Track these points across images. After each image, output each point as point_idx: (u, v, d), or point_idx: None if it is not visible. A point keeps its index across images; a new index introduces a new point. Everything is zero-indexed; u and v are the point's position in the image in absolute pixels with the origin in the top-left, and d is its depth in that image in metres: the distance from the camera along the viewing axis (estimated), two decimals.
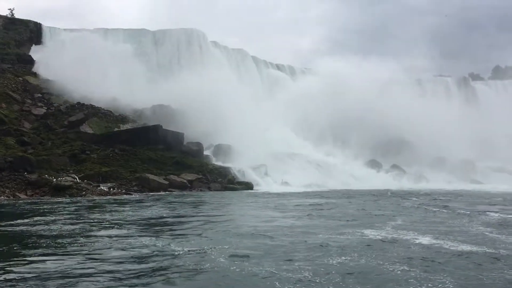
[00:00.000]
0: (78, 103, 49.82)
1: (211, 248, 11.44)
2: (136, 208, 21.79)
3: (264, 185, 44.57)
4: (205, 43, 66.70)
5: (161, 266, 9.78)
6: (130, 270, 9.47)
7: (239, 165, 46.83)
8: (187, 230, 14.54)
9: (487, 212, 18.84)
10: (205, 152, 49.18)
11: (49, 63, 53.83)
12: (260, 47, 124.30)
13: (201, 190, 39.37)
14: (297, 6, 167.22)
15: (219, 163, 46.83)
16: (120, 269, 9.54)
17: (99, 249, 11.43)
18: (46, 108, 48.17)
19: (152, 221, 16.68)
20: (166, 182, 38.47)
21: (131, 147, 43.09)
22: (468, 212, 19.16)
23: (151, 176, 38.04)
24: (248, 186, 42.45)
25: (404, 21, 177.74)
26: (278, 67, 79.13)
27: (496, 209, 19.84)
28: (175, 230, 14.56)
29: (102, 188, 34.52)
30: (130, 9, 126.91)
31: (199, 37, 66.03)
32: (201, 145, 46.86)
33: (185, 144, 46.23)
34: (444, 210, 20.52)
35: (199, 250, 11.31)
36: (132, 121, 49.24)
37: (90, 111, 47.80)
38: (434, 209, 20.84)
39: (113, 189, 34.67)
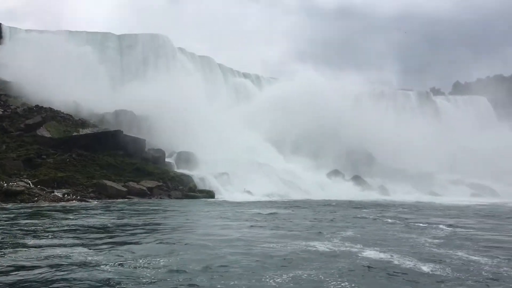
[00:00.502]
0: (37, 106, 48.09)
1: (142, 260, 10.66)
2: (82, 215, 20.70)
3: (225, 193, 43.85)
4: (171, 49, 65.81)
5: (74, 278, 8.93)
6: (35, 281, 8.65)
7: (202, 173, 46.04)
8: (126, 239, 13.69)
9: (440, 225, 18.60)
10: (167, 159, 48.18)
11: (8, 63, 51.82)
12: (228, 56, 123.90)
13: (160, 198, 38.35)
14: (265, 18, 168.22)
15: (181, 171, 45.91)
16: (31, 280, 8.71)
17: (20, 259, 10.50)
18: (2, 110, 46.25)
19: (93, 229, 15.73)
20: (125, 189, 37.29)
21: (90, 152, 41.74)
22: (421, 225, 18.91)
23: (108, 183, 36.79)
24: (210, 194, 41.68)
25: (369, 36, 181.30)
26: (245, 75, 78.84)
27: (450, 222, 19.62)
28: (112, 239, 13.66)
29: (56, 194, 33.12)
30: (99, 13, 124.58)
31: (165, 42, 65.09)
32: (163, 152, 45.84)
33: (147, 150, 45.13)
34: (398, 222, 20.23)
35: (127, 261, 10.51)
36: (93, 126, 47.79)
37: (48, 114, 46.17)
38: (389, 221, 20.56)
39: (68, 195, 33.28)
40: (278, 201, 38.08)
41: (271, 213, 24.10)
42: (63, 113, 48.36)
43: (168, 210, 25.35)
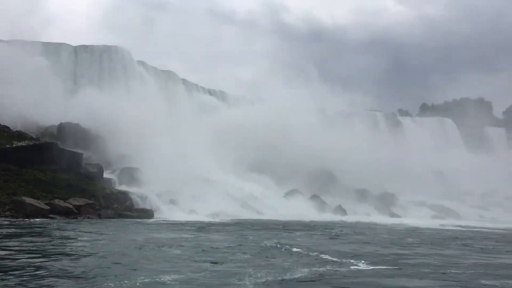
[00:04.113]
0: None
1: None
2: None
3: (167, 212, 39.84)
4: (130, 62, 61.98)
5: None
6: None
7: (143, 190, 41.99)
8: None
9: (352, 261, 14.39)
10: (110, 176, 44.07)
11: None
12: (202, 75, 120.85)
13: (89, 217, 34.08)
14: (240, 39, 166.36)
15: (122, 188, 41.83)
16: None
17: None
18: None
19: None
20: (47, 207, 32.99)
21: (19, 167, 37.36)
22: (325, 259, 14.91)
23: (27, 200, 32.50)
24: (147, 214, 37.56)
25: (340, 59, 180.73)
26: (210, 92, 75.25)
27: (366, 258, 15.03)
28: None
29: None
30: (75, 26, 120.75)
31: (123, 55, 61.28)
32: (100, 167, 41.70)
33: (84, 165, 40.87)
34: (303, 253, 15.88)
35: None
36: (31, 139, 43.45)
37: None
38: (294, 250, 16.20)
39: None
40: (217, 222, 34.10)
41: (183, 238, 20.12)
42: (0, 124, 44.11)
43: (66, 235, 21.03)
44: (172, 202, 42.37)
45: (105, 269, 11.65)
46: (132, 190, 41.13)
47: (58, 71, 57.15)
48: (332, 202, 56.33)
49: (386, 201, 59.78)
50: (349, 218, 48.03)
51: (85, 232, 20.93)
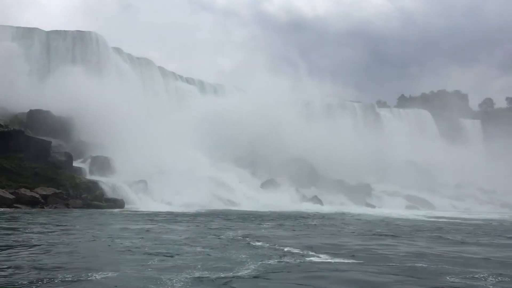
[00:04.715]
0: None
1: None
2: None
3: (139, 203, 38.85)
4: (104, 48, 60.13)
5: None
6: None
7: (114, 180, 40.90)
8: None
9: (312, 253, 13.86)
10: (80, 165, 42.79)
11: None
12: (181, 64, 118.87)
13: (55, 207, 32.98)
14: (220, 28, 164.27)
15: (93, 177, 40.63)
16: None
17: None
18: None
19: None
20: (12, 197, 31.77)
21: None
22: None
23: None
24: (118, 204, 36.59)
25: (320, 50, 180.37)
26: (188, 80, 73.84)
27: (328, 250, 14.27)
28: None
29: None
30: (48, 11, 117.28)
31: (98, 41, 59.37)
32: (70, 156, 40.40)
33: (52, 154, 39.51)
34: (261, 244, 15.13)
35: None
36: None
37: None
38: (255, 243, 15.36)
39: None
40: (189, 213, 33.23)
41: (145, 229, 19.31)
42: None
43: (15, 227, 20.05)
44: (145, 192, 41.35)
45: (35, 263, 10.76)
46: (102, 179, 40.01)
47: (29, 56, 55.22)
48: (309, 193, 56.11)
49: (361, 191, 59.80)
50: (325, 208, 47.75)
51: (41, 223, 19.86)
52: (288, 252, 13.05)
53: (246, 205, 45.46)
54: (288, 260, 11.74)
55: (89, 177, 40.80)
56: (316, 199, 52.86)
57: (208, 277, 9.66)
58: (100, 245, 14.06)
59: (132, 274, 9.86)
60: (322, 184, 59.64)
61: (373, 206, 54.27)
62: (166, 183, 44.76)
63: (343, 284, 9.58)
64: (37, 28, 58.16)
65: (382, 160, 70.49)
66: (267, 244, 14.47)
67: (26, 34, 56.89)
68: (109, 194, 38.16)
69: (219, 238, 15.73)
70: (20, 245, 13.34)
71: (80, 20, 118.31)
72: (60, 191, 34.72)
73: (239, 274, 9.97)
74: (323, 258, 12.28)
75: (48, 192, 34.01)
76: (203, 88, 74.62)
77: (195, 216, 29.78)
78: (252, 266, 10.70)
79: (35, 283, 9.00)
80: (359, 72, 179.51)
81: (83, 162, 43.72)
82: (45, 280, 9.23)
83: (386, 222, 28.72)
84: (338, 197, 57.89)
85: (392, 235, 19.60)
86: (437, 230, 23.73)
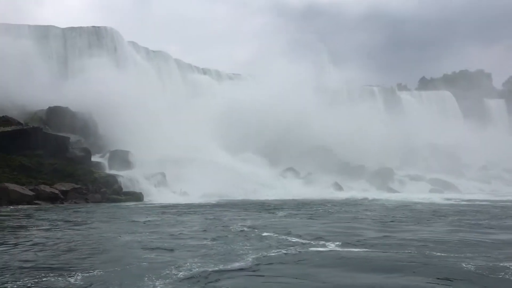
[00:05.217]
0: None
1: None
2: None
3: (157, 195, 38.74)
4: (120, 43, 60.19)
5: None
6: None
7: (132, 173, 40.87)
8: None
9: (322, 243, 13.25)
10: (99, 159, 42.96)
11: None
12: (198, 56, 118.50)
13: (75, 203, 33.07)
14: (234, 19, 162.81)
15: (112, 172, 40.69)
16: None
17: None
18: None
19: None
20: (32, 193, 31.95)
21: (3, 153, 36.21)
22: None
23: (11, 186, 31.43)
24: (136, 197, 36.54)
25: (337, 35, 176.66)
26: (204, 71, 73.37)
27: (339, 239, 13.52)
28: None
29: None
30: (64, 9, 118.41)
31: (113, 36, 59.47)
32: (88, 151, 40.52)
33: (71, 149, 39.67)
34: (270, 234, 14.44)
35: None
36: (17, 124, 42.15)
37: None
38: (263, 234, 14.62)
39: None
40: (206, 204, 32.89)
41: (150, 221, 18.97)
42: None
43: (23, 224, 19.95)
44: (163, 184, 41.25)
45: (21, 262, 10.39)
46: (121, 173, 40.00)
47: (46, 54, 55.73)
48: (329, 179, 55.16)
49: (383, 176, 58.55)
50: (345, 194, 46.81)
51: (51, 219, 19.56)
52: (295, 242, 12.46)
53: (266, 194, 44.90)
54: (291, 251, 11.19)
55: (108, 171, 40.89)
56: (337, 186, 51.98)
57: (197, 271, 9.14)
58: (99, 240, 13.64)
59: (119, 271, 9.40)
60: (343, 170, 58.55)
61: (395, 191, 52.99)
62: (184, 174, 44.48)
63: (340, 276, 8.91)
64: (52, 26, 58.53)
65: (404, 144, 69.00)
66: (276, 235, 13.89)
67: (43, 32, 57.34)
68: (128, 187, 38.13)
69: (227, 230, 15.23)
70: (16, 243, 13.01)
71: (95, 16, 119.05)
72: (79, 186, 34.81)
73: (230, 267, 9.43)
74: (331, 247, 11.65)
75: (67, 187, 34.14)
76: (220, 78, 74.19)
77: (212, 207, 29.41)
78: (249, 258, 10.17)
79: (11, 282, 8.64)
80: (378, 56, 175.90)
81: (102, 156, 43.89)
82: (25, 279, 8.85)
83: (407, 207, 27.78)
84: (360, 183, 56.86)
85: (411, 221, 18.74)
86: (461, 214, 22.73)
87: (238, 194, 44.05)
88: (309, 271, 9.06)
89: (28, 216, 21.48)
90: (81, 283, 8.66)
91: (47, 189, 33.08)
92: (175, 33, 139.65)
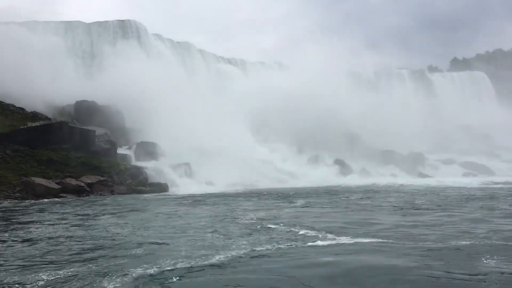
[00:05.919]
0: None
1: None
2: None
3: (182, 185, 38.52)
4: (145, 35, 60.19)
5: None
6: None
7: (158, 164, 40.76)
8: None
9: (331, 236, 12.23)
10: (126, 151, 43.05)
11: None
12: (223, 46, 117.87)
13: (101, 195, 33.15)
14: (258, 7, 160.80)
15: (138, 163, 40.70)
16: None
17: None
18: None
19: None
20: (58, 187, 32.18)
21: (31, 148, 36.66)
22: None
23: (37, 180, 31.73)
24: (161, 187, 36.39)
25: (365, 19, 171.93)
26: (230, 61, 72.66)
27: (353, 230, 12.68)
28: None
29: None
30: (91, 4, 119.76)
31: (138, 29, 59.47)
32: (114, 143, 40.65)
33: (97, 142, 39.86)
34: (277, 227, 13.51)
35: None
36: (46, 119, 42.69)
37: None
38: (271, 226, 13.81)
39: None
40: (230, 193, 32.40)
41: (171, 213, 18.45)
42: (14, 106, 43.55)
43: (42, 219, 19.77)
44: (188, 175, 40.97)
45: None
46: (147, 164, 39.96)
47: (72, 49, 56.25)
48: (357, 166, 53.74)
49: (414, 161, 56.48)
50: (372, 180, 45.35)
51: (63, 212, 19.28)
52: (301, 235, 11.60)
53: (292, 183, 44.07)
54: (292, 244, 10.37)
55: (134, 163, 40.90)
56: (364, 172, 50.52)
57: (157, 270, 8.51)
58: (96, 234, 13.14)
59: (94, 268, 8.83)
60: (371, 156, 56.78)
61: (427, 176, 51.05)
62: (210, 164, 44.02)
63: (331, 275, 7.98)
64: (78, 21, 59.02)
65: (435, 127, 66.48)
66: (283, 227, 13.06)
67: (69, 27, 57.86)
68: (154, 178, 38.01)
69: (234, 222, 14.51)
70: (12, 240, 12.68)
71: (120, 10, 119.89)
72: (104, 178, 34.88)
73: (215, 261, 8.70)
74: (340, 240, 10.72)
75: (92, 180, 34.26)
76: (245, 67, 73.27)
77: (234, 197, 28.76)
78: (241, 252, 9.39)
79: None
80: (407, 38, 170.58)
81: (129, 149, 43.96)
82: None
83: (434, 192, 26.37)
84: (389, 168, 55.06)
85: (437, 208, 17.52)
86: (490, 199, 21.26)
87: (264, 183, 43.37)
88: (284, 271, 8.15)
89: (41, 210, 21.30)
90: (49, 279, 8.13)
91: (73, 182, 33.27)
92: (200, 24, 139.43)
